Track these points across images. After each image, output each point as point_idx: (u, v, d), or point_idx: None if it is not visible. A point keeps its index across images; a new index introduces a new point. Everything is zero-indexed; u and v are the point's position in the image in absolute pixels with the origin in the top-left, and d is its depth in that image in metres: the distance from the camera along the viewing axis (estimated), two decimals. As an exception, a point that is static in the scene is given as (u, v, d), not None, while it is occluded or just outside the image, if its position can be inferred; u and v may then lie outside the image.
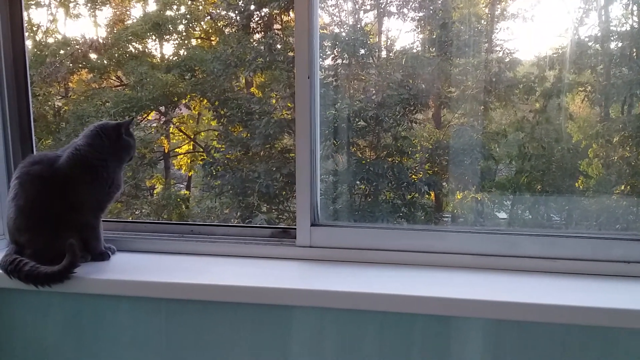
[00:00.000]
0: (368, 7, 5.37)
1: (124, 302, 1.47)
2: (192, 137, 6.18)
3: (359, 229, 1.58)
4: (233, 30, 5.58)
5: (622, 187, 4.33)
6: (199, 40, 6.05)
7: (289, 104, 5.12)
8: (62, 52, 5.60)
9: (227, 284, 1.39)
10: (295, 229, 1.60)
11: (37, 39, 5.71)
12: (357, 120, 4.74)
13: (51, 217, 1.45)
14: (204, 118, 6.10)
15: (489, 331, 1.31)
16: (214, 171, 5.25)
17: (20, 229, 1.45)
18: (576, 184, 4.42)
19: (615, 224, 4.04)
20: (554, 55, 4.60)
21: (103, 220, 1.58)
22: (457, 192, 4.74)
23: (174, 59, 5.74)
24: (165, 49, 6.04)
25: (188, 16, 5.84)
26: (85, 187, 1.48)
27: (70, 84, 5.82)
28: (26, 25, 1.78)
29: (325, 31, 4.91)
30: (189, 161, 6.21)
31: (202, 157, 5.83)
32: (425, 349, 1.35)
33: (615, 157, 4.33)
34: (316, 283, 1.40)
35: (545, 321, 1.26)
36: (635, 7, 4.26)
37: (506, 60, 4.78)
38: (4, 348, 1.56)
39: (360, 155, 4.83)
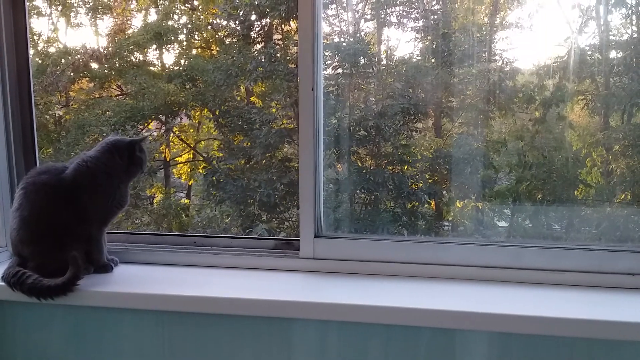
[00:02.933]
0: (368, 17, 5.39)
1: (126, 315, 1.47)
2: (192, 146, 6.19)
3: (363, 241, 1.58)
4: (234, 40, 5.60)
5: (623, 196, 4.33)
6: (199, 50, 6.07)
7: (290, 113, 5.13)
8: (63, 61, 5.61)
9: (230, 296, 1.39)
10: (298, 240, 1.59)
11: (39, 48, 5.72)
12: (357, 129, 4.75)
13: (55, 229, 1.44)
14: (204, 127, 6.11)
15: (495, 344, 1.31)
16: (215, 180, 5.25)
17: (23, 241, 1.45)
18: (576, 193, 4.42)
19: (616, 232, 4.04)
20: (554, 64, 4.61)
21: (107, 232, 1.57)
22: (457, 200, 4.74)
23: (175, 68, 5.75)
24: (166, 58, 6.06)
25: (189, 26, 5.86)
26: (89, 199, 1.48)
27: (71, 93, 5.83)
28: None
29: (325, 41, 4.93)
30: (189, 170, 6.21)
31: (204, 166, 5.83)
32: (431, 362, 1.34)
33: (616, 166, 4.33)
34: (320, 295, 1.39)
35: (550, 334, 1.26)
36: (634, 17, 4.28)
37: (506, 70, 4.79)
38: (6, 361, 1.55)
39: (360, 164, 4.84)
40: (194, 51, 6.02)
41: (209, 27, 5.99)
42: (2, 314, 1.53)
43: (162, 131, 5.91)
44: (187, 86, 5.52)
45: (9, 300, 1.45)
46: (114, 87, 5.94)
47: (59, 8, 5.91)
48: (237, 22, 5.49)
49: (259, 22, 5.43)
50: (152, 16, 6.02)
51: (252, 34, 5.42)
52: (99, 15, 5.84)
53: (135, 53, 5.70)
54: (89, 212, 1.48)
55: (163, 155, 5.91)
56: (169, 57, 6.59)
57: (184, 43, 5.92)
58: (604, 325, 1.21)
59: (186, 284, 1.48)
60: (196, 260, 1.63)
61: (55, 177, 1.47)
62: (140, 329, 1.47)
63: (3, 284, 1.42)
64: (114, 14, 5.93)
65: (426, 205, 4.85)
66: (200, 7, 6.02)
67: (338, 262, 1.56)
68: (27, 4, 1.74)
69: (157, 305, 1.41)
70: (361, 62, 4.92)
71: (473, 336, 1.31)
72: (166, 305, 1.41)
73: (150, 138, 5.75)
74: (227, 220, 5.18)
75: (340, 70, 4.89)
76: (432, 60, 4.90)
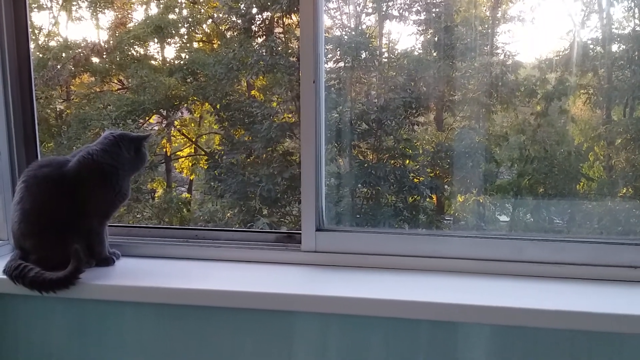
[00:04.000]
0: (370, 10, 5.38)
1: (128, 308, 1.47)
2: (193, 140, 6.18)
3: (364, 234, 1.57)
4: (235, 33, 5.59)
5: (624, 190, 4.32)
6: (200, 43, 6.05)
7: (291, 107, 5.13)
8: (64, 55, 5.59)
9: (232, 289, 1.38)
10: (300, 233, 1.59)
11: (39, 42, 5.71)
12: (359, 123, 4.74)
13: (56, 222, 1.44)
14: (205, 121, 6.11)
15: (496, 337, 1.31)
16: (216, 174, 5.26)
17: (25, 234, 1.44)
18: (578, 187, 4.42)
19: (618, 226, 4.04)
20: (556, 57, 4.60)
21: (108, 225, 1.57)
22: (459, 194, 4.74)
23: (176, 62, 5.74)
24: (167, 52, 6.05)
25: (190, 19, 5.85)
26: (92, 191, 1.47)
27: (72, 87, 5.82)
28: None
29: (327, 34, 4.92)
30: (190, 164, 6.21)
31: (205, 159, 5.83)
32: (431, 355, 1.34)
33: (618, 160, 4.33)
34: (321, 288, 1.39)
35: (552, 327, 1.26)
36: (637, 10, 4.26)
37: (508, 63, 4.78)
38: (8, 354, 1.55)
39: (362, 158, 4.83)
40: (195, 45, 6.00)
41: (210, 20, 5.98)
42: (4, 307, 1.54)
43: (164, 125, 5.90)
44: (188, 80, 5.51)
45: (10, 293, 1.44)
46: (115, 81, 5.93)
47: (60, 1, 5.89)
48: (238, 15, 5.47)
49: (260, 16, 5.42)
50: (153, 9, 6.01)
51: (253, 28, 5.40)
52: (99, 9, 5.83)
53: (136, 47, 5.69)
54: (91, 205, 1.48)
55: (164, 149, 5.91)
56: (170, 50, 6.57)
57: (185, 37, 5.91)
58: (606, 318, 1.21)
59: (188, 277, 1.48)
60: (198, 253, 1.63)
61: (57, 170, 1.47)
62: (142, 321, 1.47)
63: (5, 277, 1.41)
64: (115, 7, 5.92)
65: (427, 200, 4.85)
66: (201, 0, 6.01)
67: (339, 255, 1.55)
68: (27, -3, 1.74)
69: (158, 298, 1.41)
70: (363, 56, 4.91)
71: (474, 329, 1.31)
72: (168, 298, 1.41)
73: (151, 131, 5.76)
74: (228, 215, 5.18)
75: (341, 64, 4.88)
76: (434, 54, 4.89)
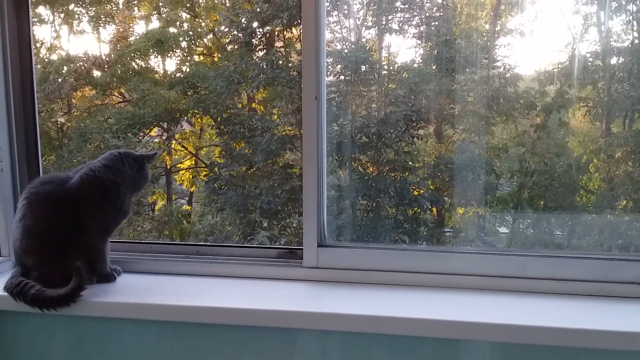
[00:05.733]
0: (370, 24, 5.41)
1: (129, 325, 1.46)
2: (194, 152, 6.19)
3: (367, 250, 1.57)
4: (236, 47, 5.62)
5: (624, 203, 4.32)
6: (201, 56, 6.08)
7: (291, 120, 5.14)
8: (65, 68, 5.62)
9: (233, 306, 1.37)
10: (301, 249, 1.58)
11: (41, 55, 5.74)
12: (359, 136, 4.76)
13: (58, 239, 1.44)
14: (206, 134, 6.12)
15: (498, 355, 1.30)
16: (217, 187, 5.26)
17: (26, 251, 1.44)
18: (577, 199, 4.42)
19: (618, 239, 4.03)
20: (554, 70, 4.62)
21: (109, 241, 1.57)
22: (459, 207, 4.73)
23: (176, 75, 5.77)
24: (168, 65, 6.09)
25: (191, 33, 5.88)
26: (94, 208, 1.47)
27: (73, 100, 5.84)
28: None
29: (327, 48, 4.95)
30: (190, 176, 6.21)
31: (205, 173, 5.84)
32: (435, 372, 1.33)
33: (617, 173, 4.33)
34: (323, 305, 1.39)
35: (555, 344, 1.25)
36: (635, 23, 4.29)
37: (507, 76, 4.80)
38: (8, 372, 1.54)
39: (362, 171, 4.84)
40: (196, 58, 6.03)
41: (211, 34, 6.01)
42: (5, 325, 1.53)
43: (164, 138, 5.92)
44: (189, 93, 5.53)
45: (11, 310, 1.43)
46: (116, 94, 5.96)
47: (62, 15, 5.93)
48: (239, 29, 5.50)
49: (260, 30, 5.45)
50: (154, 23, 6.05)
51: (254, 41, 5.43)
52: (101, 23, 5.87)
53: (137, 60, 5.72)
54: (93, 222, 1.48)
55: (164, 162, 5.91)
56: (171, 64, 6.61)
57: (186, 50, 5.94)
58: (610, 335, 1.20)
59: (189, 294, 1.47)
60: (199, 269, 1.62)
61: (59, 187, 1.47)
62: (143, 339, 1.46)
63: (6, 294, 1.40)
64: (116, 21, 5.96)
65: (428, 212, 4.85)
66: (202, 14, 6.05)
67: (341, 271, 1.54)
68: (30, 12, 1.74)
69: (159, 315, 1.40)
70: (363, 69, 4.93)
71: (476, 346, 1.31)
72: (169, 315, 1.40)
73: (154, 145, 5.77)
74: (229, 228, 5.17)
75: (342, 77, 4.90)
76: (434, 67, 4.91)
